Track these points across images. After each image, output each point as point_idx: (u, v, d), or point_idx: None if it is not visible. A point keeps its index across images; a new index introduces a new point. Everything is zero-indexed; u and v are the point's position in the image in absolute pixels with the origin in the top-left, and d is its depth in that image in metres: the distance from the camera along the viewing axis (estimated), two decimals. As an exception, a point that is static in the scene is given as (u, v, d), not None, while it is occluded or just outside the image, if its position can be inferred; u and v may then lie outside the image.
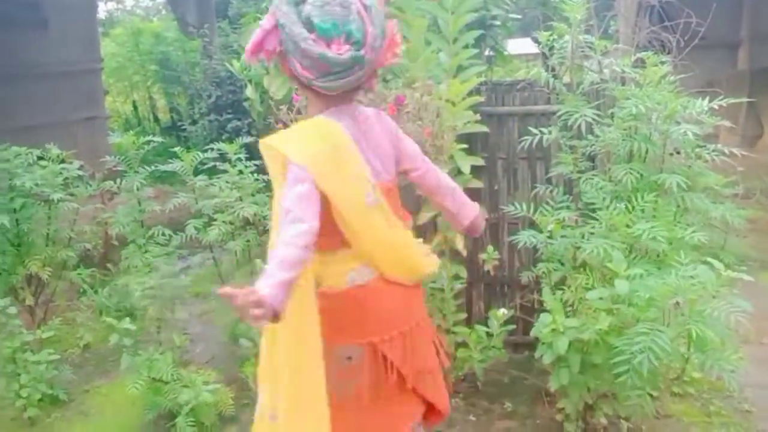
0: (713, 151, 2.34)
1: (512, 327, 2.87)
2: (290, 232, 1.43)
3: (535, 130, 2.51)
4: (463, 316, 3.05)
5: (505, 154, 3.33)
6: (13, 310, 2.82)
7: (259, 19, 5.30)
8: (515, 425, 2.81)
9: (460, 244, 3.26)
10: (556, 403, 2.87)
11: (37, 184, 3.07)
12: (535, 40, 10.57)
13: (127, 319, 2.80)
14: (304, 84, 1.60)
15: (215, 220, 3.05)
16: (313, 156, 1.54)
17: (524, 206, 2.56)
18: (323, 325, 1.59)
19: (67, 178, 3.25)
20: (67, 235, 3.43)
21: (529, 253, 3.35)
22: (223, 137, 4.94)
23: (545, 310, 2.58)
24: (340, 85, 1.54)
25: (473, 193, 3.26)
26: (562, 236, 2.54)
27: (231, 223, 3.00)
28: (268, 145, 1.61)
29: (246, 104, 5.20)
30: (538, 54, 11.01)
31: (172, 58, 10.60)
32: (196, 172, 3.18)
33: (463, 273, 3.01)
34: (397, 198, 1.74)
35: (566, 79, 2.61)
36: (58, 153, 3.40)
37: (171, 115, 11.30)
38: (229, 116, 5.17)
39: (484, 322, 2.97)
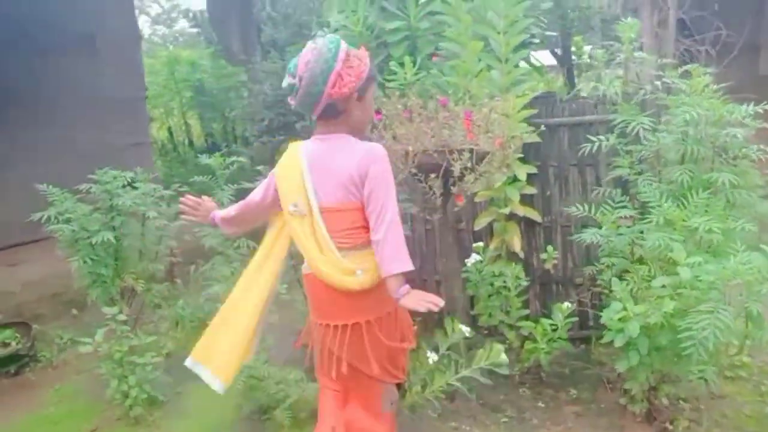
0: (758, 150, 2.60)
1: (575, 320, 3.11)
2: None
3: (594, 138, 2.78)
4: (526, 312, 3.31)
5: (556, 161, 3.61)
6: (122, 317, 3.12)
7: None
8: (582, 409, 3.05)
9: (517, 246, 3.54)
10: (617, 388, 3.12)
11: (135, 203, 3.40)
12: (554, 54, 10.88)
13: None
14: None
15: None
16: (278, 165, 2.12)
17: (585, 207, 2.82)
18: None
19: (161, 197, 3.59)
20: (155, 250, 3.75)
21: (581, 254, 3.62)
22: (275, 158, 5.24)
23: (602, 306, 2.84)
24: (293, 106, 2.05)
25: (527, 199, 3.56)
26: (619, 234, 2.80)
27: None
28: None
29: (298, 126, 5.52)
30: (554, 65, 11.33)
31: (207, 85, 11.04)
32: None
33: (521, 273, 3.27)
34: (341, 220, 2.02)
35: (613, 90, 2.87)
36: (145, 175, 3.73)
37: (206, 139, 11.75)
38: (281, 137, 5.49)
39: (542, 318, 3.23)
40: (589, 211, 2.80)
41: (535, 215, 3.57)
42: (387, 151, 2.80)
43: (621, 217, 2.71)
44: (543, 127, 3.14)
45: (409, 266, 1.92)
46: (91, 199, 3.69)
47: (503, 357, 2.65)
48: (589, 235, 2.77)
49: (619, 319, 2.53)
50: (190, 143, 12.02)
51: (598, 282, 3.36)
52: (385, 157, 2.02)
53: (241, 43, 6.90)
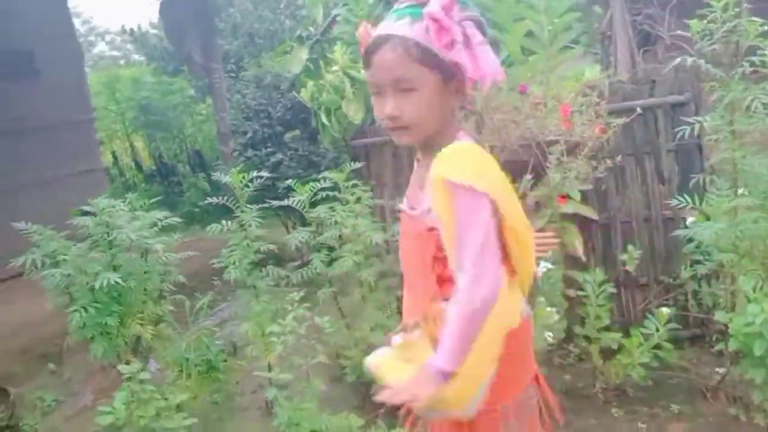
0: None
1: (676, 326, 2.78)
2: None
3: (689, 119, 2.45)
4: (607, 322, 2.95)
5: (608, 153, 3.28)
6: (146, 375, 2.56)
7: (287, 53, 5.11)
8: (690, 426, 2.71)
9: (579, 249, 3.18)
10: (718, 398, 2.81)
11: (140, 236, 2.83)
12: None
13: (277, 369, 2.58)
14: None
15: (334, 250, 2.89)
16: (489, 180, 1.36)
17: (687, 198, 2.49)
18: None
19: (164, 227, 3.02)
20: (160, 289, 3.18)
21: (645, 252, 3.31)
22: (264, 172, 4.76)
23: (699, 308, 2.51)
24: None
25: (581, 195, 3.22)
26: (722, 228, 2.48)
27: (357, 252, 2.84)
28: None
29: (286, 137, 5.05)
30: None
31: (153, 102, 10.30)
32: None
33: (602, 278, 2.92)
34: None
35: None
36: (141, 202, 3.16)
37: (155, 161, 10.96)
38: (269, 150, 4.99)
39: (624, 326, 2.90)
40: (693, 201, 2.47)
41: (591, 213, 3.24)
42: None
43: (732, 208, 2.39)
44: (639, 110, 2.79)
45: None
46: (75, 236, 3.10)
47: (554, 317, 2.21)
48: (695, 230, 2.43)
49: (751, 324, 2.20)
50: (138, 167, 11.20)
51: (675, 281, 3.08)
52: None
53: (202, 52, 6.31)
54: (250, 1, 10.35)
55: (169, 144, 10.68)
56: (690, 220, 2.77)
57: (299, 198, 2.87)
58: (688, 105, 3.12)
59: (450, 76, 1.38)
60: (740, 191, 2.38)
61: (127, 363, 2.86)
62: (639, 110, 2.78)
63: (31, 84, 6.46)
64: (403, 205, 1.54)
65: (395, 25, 1.35)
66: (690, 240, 2.75)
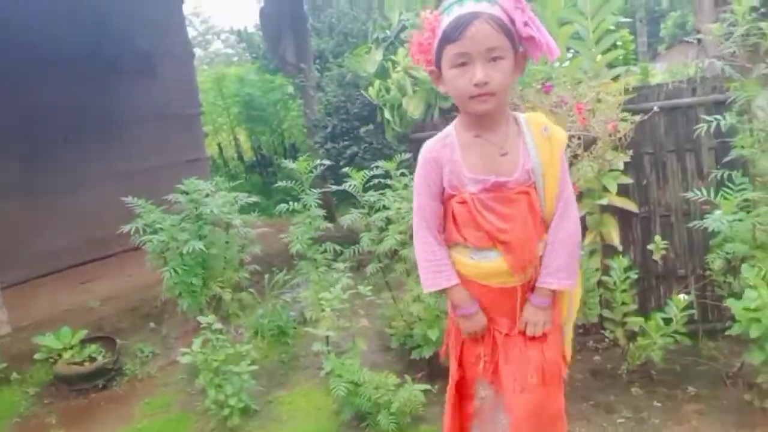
0: None
1: (692, 312, 2.92)
2: None
3: (708, 118, 2.61)
4: (634, 307, 3.13)
5: (651, 149, 3.43)
6: (218, 325, 3.08)
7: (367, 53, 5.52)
8: (704, 407, 2.85)
9: (615, 239, 3.37)
10: (738, 384, 2.93)
11: (222, 211, 3.37)
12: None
13: (321, 326, 3.02)
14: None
15: (386, 231, 3.27)
16: None
17: (704, 191, 2.65)
18: None
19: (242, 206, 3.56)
20: (239, 258, 3.72)
21: (683, 245, 3.44)
22: (341, 163, 5.19)
23: (719, 297, 2.64)
24: None
25: (622, 189, 3.39)
26: (738, 220, 2.61)
27: (401, 232, 3.20)
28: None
29: (362, 131, 5.46)
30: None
31: (256, 99, 11.13)
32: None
33: (629, 266, 3.10)
34: None
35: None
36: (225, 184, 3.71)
37: (255, 153, 11.84)
38: (346, 143, 5.44)
39: (645, 314, 3.06)
40: (709, 194, 2.63)
41: (632, 206, 3.40)
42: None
43: (744, 200, 2.53)
44: (656, 109, 2.97)
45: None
46: (172, 211, 3.69)
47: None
48: (713, 221, 2.59)
49: (754, 309, 2.35)
50: (240, 158, 12.14)
51: (708, 273, 3.19)
52: (421, 153, 1.88)
53: (295, 52, 6.90)
54: (346, 1, 10.95)
55: (267, 137, 11.47)
56: (717, 213, 2.90)
57: (353, 183, 3.27)
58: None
59: (519, 52, 1.74)
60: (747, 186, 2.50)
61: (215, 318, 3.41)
62: (656, 108, 2.93)
63: (148, 81, 7.31)
64: (485, 177, 1.78)
65: (479, 6, 1.64)
66: (715, 233, 2.88)
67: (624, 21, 4.29)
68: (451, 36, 1.66)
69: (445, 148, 1.83)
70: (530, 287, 1.88)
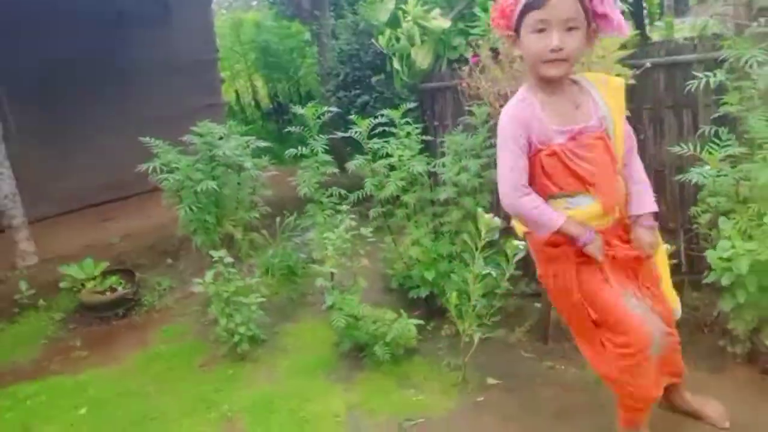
0: None
1: (674, 262, 3.07)
2: None
3: (699, 74, 2.70)
4: (621, 255, 3.29)
5: (650, 104, 3.52)
6: (229, 259, 3.30)
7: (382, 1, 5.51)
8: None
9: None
10: (715, 332, 3.10)
11: (234, 153, 3.55)
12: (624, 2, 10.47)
13: (325, 264, 3.22)
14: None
15: (388, 177, 3.43)
16: None
17: (690, 146, 2.76)
18: None
19: (255, 149, 3.74)
20: (250, 200, 3.92)
21: (675, 199, 3.56)
22: (352, 112, 5.30)
23: (699, 249, 2.79)
24: None
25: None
26: (722, 174, 2.73)
27: (402, 179, 3.36)
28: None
29: (373, 80, 5.52)
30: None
31: (272, 45, 11.14)
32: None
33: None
34: None
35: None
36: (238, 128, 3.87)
37: (271, 100, 11.93)
38: (357, 92, 5.54)
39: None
40: (695, 150, 2.74)
41: (627, 160, 3.52)
42: (485, 94, 2.83)
43: (728, 156, 2.64)
44: (648, 64, 3.05)
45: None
46: (188, 152, 3.88)
47: (495, 220, 2.61)
48: (695, 175, 2.72)
49: (726, 258, 2.50)
50: (257, 105, 12.24)
51: (695, 226, 3.32)
52: (505, 113, 2.05)
53: (311, 1, 6.93)
54: (366, -53, 10.76)
55: (284, 84, 11.53)
56: (706, 168, 3.01)
57: (359, 130, 3.42)
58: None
59: (591, 27, 1.95)
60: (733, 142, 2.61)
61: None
62: (648, 64, 3.01)
63: (164, 26, 7.39)
64: (571, 127, 2.02)
65: None
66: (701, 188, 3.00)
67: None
68: (534, 3, 1.87)
69: (527, 108, 2.03)
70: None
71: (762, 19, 2.60)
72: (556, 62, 1.91)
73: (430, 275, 3.33)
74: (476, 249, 2.66)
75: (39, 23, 5.91)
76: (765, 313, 2.68)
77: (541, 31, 1.88)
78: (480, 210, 2.65)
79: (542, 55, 1.90)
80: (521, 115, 2.01)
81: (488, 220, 2.56)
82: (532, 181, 2.08)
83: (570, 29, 1.88)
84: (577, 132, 2.01)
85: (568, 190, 2.06)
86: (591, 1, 1.89)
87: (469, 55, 3.45)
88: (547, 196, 2.09)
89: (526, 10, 1.90)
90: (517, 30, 1.96)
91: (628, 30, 1.90)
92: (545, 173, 2.05)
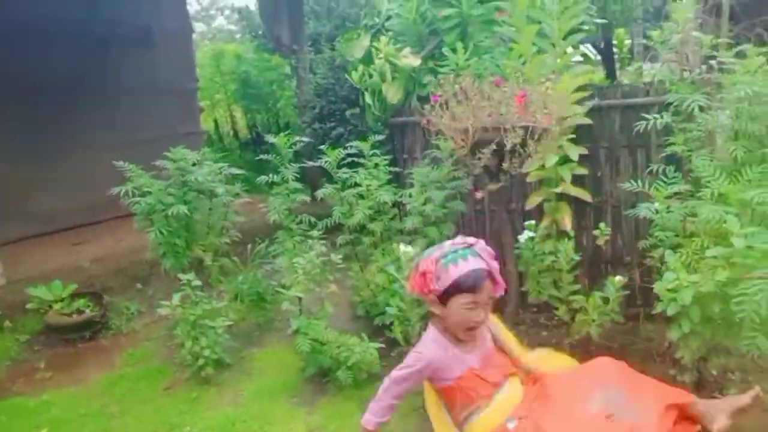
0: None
1: (626, 293, 3.21)
2: None
3: (648, 116, 2.89)
4: (578, 287, 3.43)
5: (607, 143, 3.71)
6: (197, 282, 3.36)
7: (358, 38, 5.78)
8: (631, 379, 3.15)
9: (568, 225, 3.66)
10: (666, 361, 3.23)
11: (206, 180, 3.64)
12: (595, 47, 10.89)
13: (293, 289, 3.29)
14: None
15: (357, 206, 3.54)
16: None
17: (639, 183, 2.92)
18: None
19: (227, 175, 3.83)
20: (221, 225, 3.99)
21: (630, 234, 3.73)
22: (327, 143, 5.43)
23: (651, 282, 2.94)
24: None
25: (578, 179, 3.67)
26: (670, 211, 2.89)
27: (370, 208, 3.48)
28: None
29: (348, 113, 5.67)
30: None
31: (252, 77, 11.33)
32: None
33: (573, 250, 3.38)
34: None
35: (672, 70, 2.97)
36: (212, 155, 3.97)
37: (250, 130, 12.06)
38: (332, 124, 5.68)
39: (590, 295, 3.35)
40: (643, 187, 2.90)
41: (585, 195, 3.68)
42: (447, 130, 2.97)
43: (675, 193, 2.80)
44: (596, 99, 3.24)
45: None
46: (162, 177, 3.95)
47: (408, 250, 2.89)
48: (643, 210, 2.87)
49: (672, 289, 2.64)
50: (235, 134, 12.35)
51: (647, 259, 3.48)
52: (413, 355, 2.26)
53: (290, 34, 7.12)
54: (345, -15, 11.11)
55: (263, 115, 11.69)
56: (655, 204, 3.18)
57: (328, 160, 3.54)
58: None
59: None
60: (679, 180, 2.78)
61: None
62: (593, 104, 3.20)
63: (147, 54, 7.52)
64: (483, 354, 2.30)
65: (479, 262, 2.16)
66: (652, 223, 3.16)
67: (598, 22, 4.55)
68: (469, 288, 2.13)
69: (439, 349, 2.24)
70: None
71: (704, 66, 2.80)
72: (476, 329, 2.23)
73: (393, 302, 3.42)
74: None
75: (20, 44, 5.97)
76: (710, 342, 2.82)
77: (470, 309, 2.14)
78: (395, 245, 2.80)
79: (468, 324, 2.19)
80: (432, 357, 2.23)
81: (404, 250, 2.72)
82: (457, 405, 2.29)
83: (487, 304, 2.20)
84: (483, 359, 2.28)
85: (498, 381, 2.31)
86: (496, 279, 2.21)
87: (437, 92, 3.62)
88: (477, 408, 2.25)
89: (456, 291, 2.13)
90: (441, 297, 2.17)
91: (503, 285, 2.27)
92: (469, 392, 2.25)
